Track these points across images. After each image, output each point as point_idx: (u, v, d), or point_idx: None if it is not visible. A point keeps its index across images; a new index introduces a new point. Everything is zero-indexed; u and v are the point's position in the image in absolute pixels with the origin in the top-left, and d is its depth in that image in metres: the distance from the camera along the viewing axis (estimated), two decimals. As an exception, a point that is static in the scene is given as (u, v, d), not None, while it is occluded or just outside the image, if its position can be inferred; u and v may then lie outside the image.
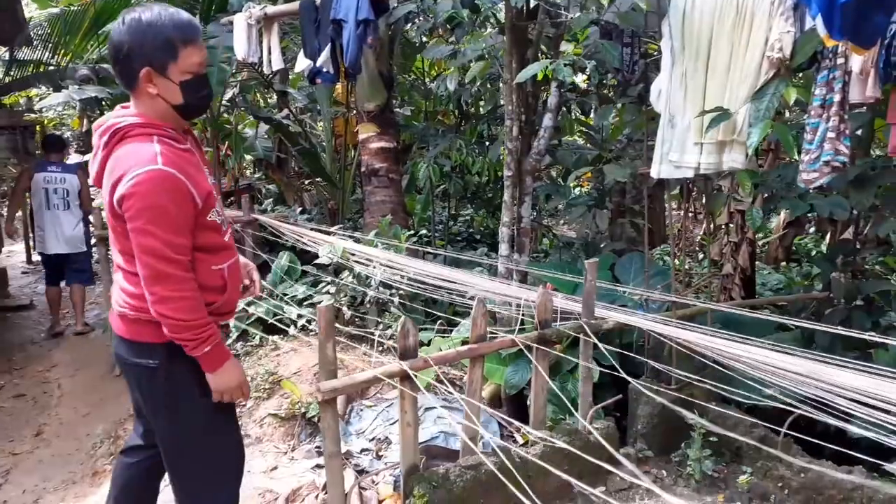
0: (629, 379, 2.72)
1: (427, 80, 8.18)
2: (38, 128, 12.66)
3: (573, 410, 3.39)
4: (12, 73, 9.21)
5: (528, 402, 3.54)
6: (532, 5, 3.58)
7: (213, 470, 2.18)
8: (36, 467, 3.96)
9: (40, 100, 12.53)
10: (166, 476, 2.27)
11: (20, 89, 9.70)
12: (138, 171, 1.82)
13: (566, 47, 3.05)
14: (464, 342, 4.12)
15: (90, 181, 2.07)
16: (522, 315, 3.13)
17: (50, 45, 8.29)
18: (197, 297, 1.95)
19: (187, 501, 2.20)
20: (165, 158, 1.86)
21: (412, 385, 2.49)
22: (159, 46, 1.87)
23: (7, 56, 9.02)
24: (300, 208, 9.07)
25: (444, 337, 4.36)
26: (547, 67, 2.98)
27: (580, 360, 2.99)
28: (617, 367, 2.68)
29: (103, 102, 9.68)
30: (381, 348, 4.57)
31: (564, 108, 4.84)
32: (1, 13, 7.12)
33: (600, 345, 2.82)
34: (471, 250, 8.25)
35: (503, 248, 3.75)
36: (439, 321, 4.22)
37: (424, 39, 7.41)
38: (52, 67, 8.72)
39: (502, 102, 5.11)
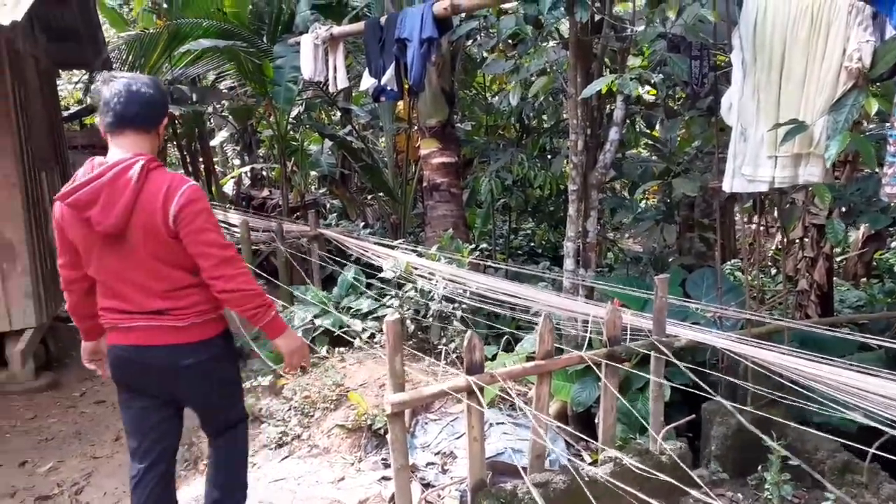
0: (711, 394, 2.64)
1: (488, 95, 8.21)
2: (115, 146, 13.33)
3: (643, 430, 3.34)
4: (92, 95, 9.70)
5: (596, 421, 3.49)
6: (596, 20, 3.56)
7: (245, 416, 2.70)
8: (116, 471, 4.12)
9: (118, 120, 13.16)
10: None
11: (101, 110, 10.20)
12: (185, 187, 2.22)
13: (632, 61, 3.02)
14: (528, 358, 4.11)
15: (105, 221, 2.22)
16: (590, 332, 3.09)
17: (126, 67, 8.71)
18: (250, 272, 2.37)
19: (235, 452, 2.64)
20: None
21: (479, 400, 2.49)
22: (164, 106, 2.40)
23: (88, 78, 9.54)
24: (363, 223, 9.24)
25: (508, 352, 4.34)
26: (613, 81, 2.96)
27: (651, 377, 2.93)
28: (692, 385, 2.62)
29: (176, 120, 10.13)
30: (445, 361, 4.59)
31: (629, 121, 4.78)
32: (84, 39, 7.56)
33: (676, 362, 2.76)
34: (532, 264, 8.21)
35: (568, 263, 3.73)
36: (505, 337, 4.20)
37: (485, 55, 7.47)
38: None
39: (565, 116, 5.08)
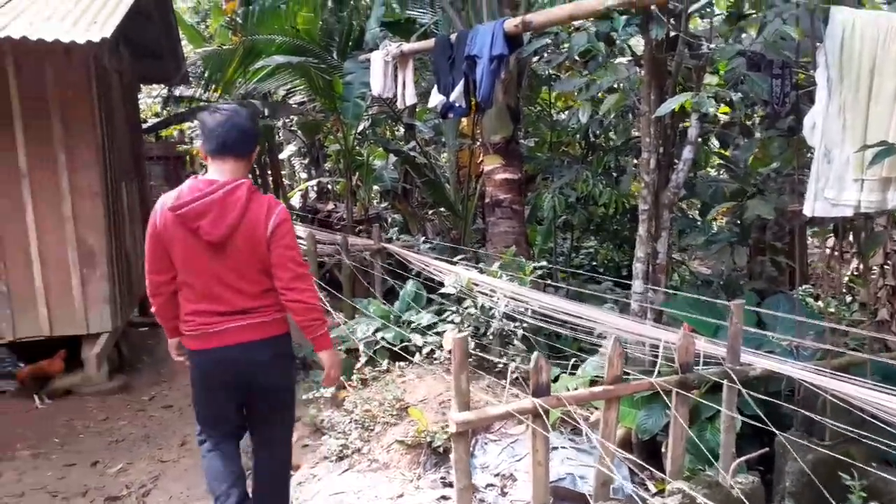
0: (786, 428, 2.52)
1: (553, 111, 8.16)
2: (188, 158, 13.89)
3: (713, 461, 3.22)
4: (169, 108, 10.15)
5: (663, 450, 3.38)
6: (671, 36, 3.49)
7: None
8: (182, 475, 4.23)
9: (191, 132, 13.72)
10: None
11: (177, 123, 10.64)
12: (280, 207, 2.65)
13: (709, 78, 2.94)
14: (592, 381, 4.02)
15: (215, 231, 2.57)
16: (660, 357, 3.00)
17: (203, 81, 9.07)
18: (315, 289, 2.74)
19: (285, 442, 2.96)
20: None
21: (544, 423, 2.44)
22: (257, 135, 2.79)
23: (166, 93, 9.98)
24: (423, 237, 9.30)
25: (570, 374, 4.26)
26: (689, 100, 2.88)
27: (723, 408, 2.82)
28: (764, 417, 2.50)
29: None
30: (504, 381, 4.54)
31: (700, 140, 4.65)
32: (165, 54, 7.90)
33: (746, 392, 2.65)
34: (593, 283, 8.04)
35: (637, 285, 3.64)
36: (572, 359, 4.12)
37: (550, 72, 7.43)
38: (203, 102, 9.52)
39: (635, 134, 4.99)
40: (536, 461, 2.48)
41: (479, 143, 8.51)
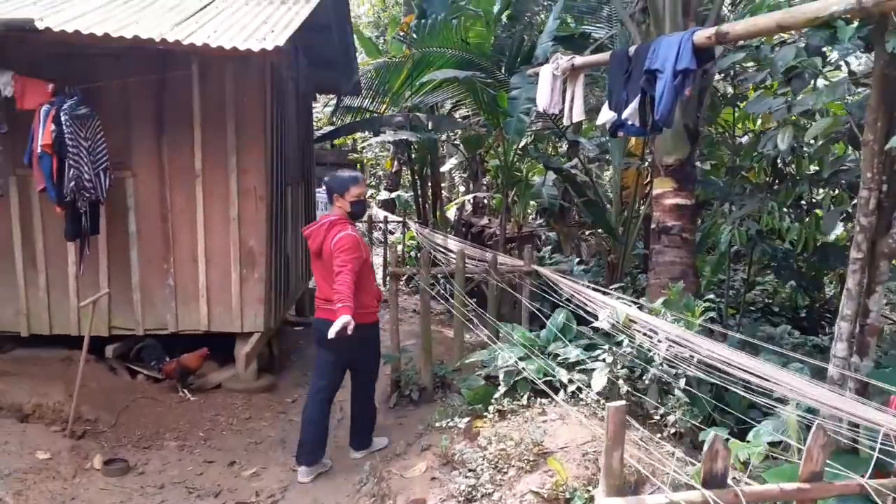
0: None
1: (737, 133, 7.37)
2: (358, 166, 14.44)
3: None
4: (339, 118, 10.51)
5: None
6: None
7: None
8: (309, 489, 4.17)
9: (362, 142, 14.24)
10: None
11: (347, 133, 10.98)
12: (338, 237, 4.09)
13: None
14: (768, 454, 3.41)
15: (313, 246, 4.29)
16: (877, 450, 2.38)
17: (371, 92, 9.26)
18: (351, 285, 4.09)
19: (371, 385, 4.64)
20: (351, 229, 4.20)
21: (714, 519, 1.98)
22: (343, 185, 4.25)
23: (335, 102, 10.34)
24: (577, 259, 8.82)
25: (736, 439, 3.65)
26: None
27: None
28: None
29: (412, 146, 10.57)
30: (660, 435, 4.03)
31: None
32: (340, 65, 8.12)
33: None
34: (767, 325, 7.14)
35: (840, 348, 2.99)
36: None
37: (736, 90, 6.71)
38: (373, 114, 9.75)
39: (846, 166, 4.25)
40: (700, 563, 2.01)
41: (647, 164, 7.93)
